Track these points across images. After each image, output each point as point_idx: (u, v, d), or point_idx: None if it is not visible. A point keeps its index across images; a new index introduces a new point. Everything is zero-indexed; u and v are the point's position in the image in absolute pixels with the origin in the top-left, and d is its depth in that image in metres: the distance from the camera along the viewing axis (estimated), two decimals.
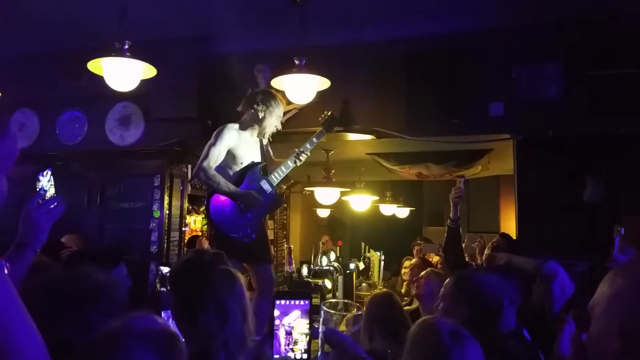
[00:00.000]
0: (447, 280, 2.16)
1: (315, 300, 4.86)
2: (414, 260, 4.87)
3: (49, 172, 1.66)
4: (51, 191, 1.65)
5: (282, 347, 1.07)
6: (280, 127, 3.45)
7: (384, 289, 3.72)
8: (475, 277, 2.14)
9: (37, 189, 1.64)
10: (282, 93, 3.46)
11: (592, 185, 3.42)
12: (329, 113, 3.61)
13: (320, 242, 6.79)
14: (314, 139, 3.51)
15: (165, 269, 4.02)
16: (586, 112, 3.50)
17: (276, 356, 1.06)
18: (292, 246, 6.32)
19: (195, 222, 5.87)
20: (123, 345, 1.15)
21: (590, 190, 3.41)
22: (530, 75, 3.65)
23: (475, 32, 3.74)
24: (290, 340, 1.08)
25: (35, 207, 1.59)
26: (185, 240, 4.80)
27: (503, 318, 2.10)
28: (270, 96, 3.39)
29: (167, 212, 4.40)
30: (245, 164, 3.37)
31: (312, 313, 1.10)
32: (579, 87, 3.53)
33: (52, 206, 1.62)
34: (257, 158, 3.44)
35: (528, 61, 3.66)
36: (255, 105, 3.35)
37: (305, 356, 1.07)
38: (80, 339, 1.12)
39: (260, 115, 3.34)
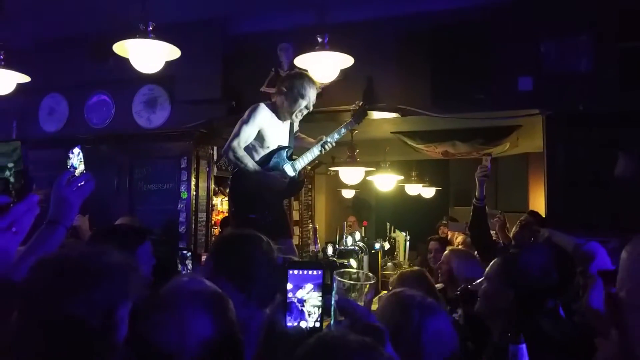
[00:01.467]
0: (493, 261, 2.06)
1: None
2: (430, 245, 4.82)
3: (79, 149, 1.68)
4: (81, 168, 1.66)
5: (296, 318, 1.08)
6: (311, 108, 3.32)
7: (414, 267, 3.69)
8: (524, 260, 2.00)
9: (68, 167, 1.66)
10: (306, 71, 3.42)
11: (624, 160, 3.32)
12: (360, 104, 3.55)
13: (347, 224, 6.81)
14: (342, 129, 3.45)
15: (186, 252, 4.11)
16: (618, 86, 3.39)
17: (289, 323, 1.07)
18: (317, 226, 6.35)
19: (222, 204, 5.93)
20: (177, 305, 1.19)
21: (622, 165, 3.31)
22: (559, 48, 3.55)
23: (503, 5, 3.64)
24: (303, 312, 1.09)
25: (65, 184, 1.59)
26: (213, 222, 4.87)
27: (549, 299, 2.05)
28: (301, 78, 3.26)
29: (194, 193, 4.47)
30: (272, 147, 3.30)
31: (325, 284, 1.11)
32: (610, 60, 3.42)
33: (81, 183, 1.62)
34: (285, 142, 3.40)
35: (557, 34, 3.56)
36: (285, 89, 3.24)
37: (317, 325, 1.08)
38: (91, 320, 1.13)
39: (291, 97, 3.22)
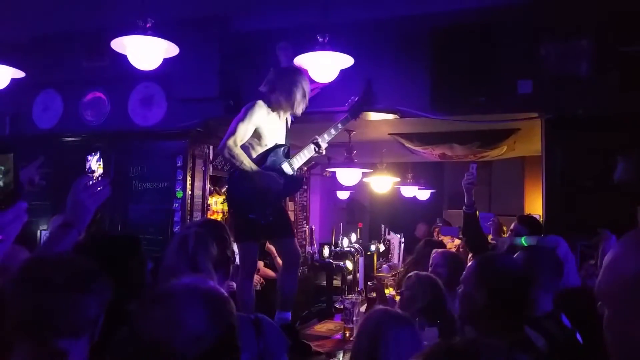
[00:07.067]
0: (469, 264, 2.07)
1: (336, 282, 4.85)
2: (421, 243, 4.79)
3: (98, 153, 1.67)
4: (99, 171, 1.66)
5: None
6: (307, 97, 3.28)
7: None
8: (498, 261, 2.02)
9: (86, 170, 1.66)
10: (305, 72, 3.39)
11: (623, 164, 3.32)
12: (356, 99, 3.53)
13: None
14: (339, 125, 3.43)
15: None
16: (617, 90, 3.40)
17: None
18: (313, 227, 6.31)
19: (217, 204, 5.89)
20: (172, 298, 1.20)
21: (621, 169, 3.31)
22: (559, 51, 3.55)
23: (503, 7, 3.62)
24: None
25: (83, 188, 1.60)
26: None
27: (535, 302, 2.04)
28: (292, 72, 3.27)
29: (190, 192, 4.43)
30: (269, 145, 3.27)
31: None
32: (610, 63, 3.43)
33: (99, 188, 1.63)
34: (282, 140, 3.37)
35: (557, 37, 3.56)
36: (277, 85, 3.23)
37: None
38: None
39: (286, 92, 3.20)
